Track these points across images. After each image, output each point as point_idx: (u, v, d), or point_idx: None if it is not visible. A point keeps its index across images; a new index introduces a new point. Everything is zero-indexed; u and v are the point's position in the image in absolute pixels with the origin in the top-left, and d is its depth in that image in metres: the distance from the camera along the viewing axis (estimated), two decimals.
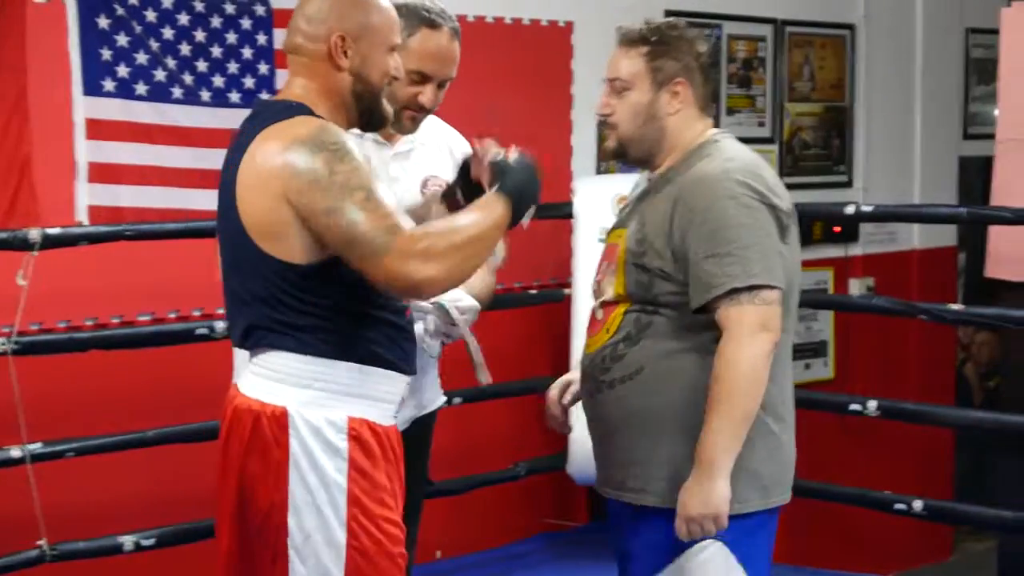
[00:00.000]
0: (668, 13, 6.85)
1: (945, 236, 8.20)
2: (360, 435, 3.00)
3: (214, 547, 3.17)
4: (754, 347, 3.26)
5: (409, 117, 3.77)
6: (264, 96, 5.50)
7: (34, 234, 4.61)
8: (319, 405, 2.99)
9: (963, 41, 8.31)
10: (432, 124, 3.95)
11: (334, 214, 2.89)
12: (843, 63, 7.76)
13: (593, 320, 3.57)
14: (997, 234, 5.88)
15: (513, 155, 3.16)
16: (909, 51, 8.03)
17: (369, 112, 3.20)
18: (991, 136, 6.11)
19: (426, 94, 3.71)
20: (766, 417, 3.40)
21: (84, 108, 5.12)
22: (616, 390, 3.46)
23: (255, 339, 3.04)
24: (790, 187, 7.39)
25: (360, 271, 2.91)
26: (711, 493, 3.26)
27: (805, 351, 7.62)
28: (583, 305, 5.61)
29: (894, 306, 5.94)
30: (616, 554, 3.64)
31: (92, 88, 5.14)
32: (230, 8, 5.47)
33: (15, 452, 4.63)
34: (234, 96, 5.48)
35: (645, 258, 3.39)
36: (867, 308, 6.63)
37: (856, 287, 7.73)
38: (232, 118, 5.36)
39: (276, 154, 2.95)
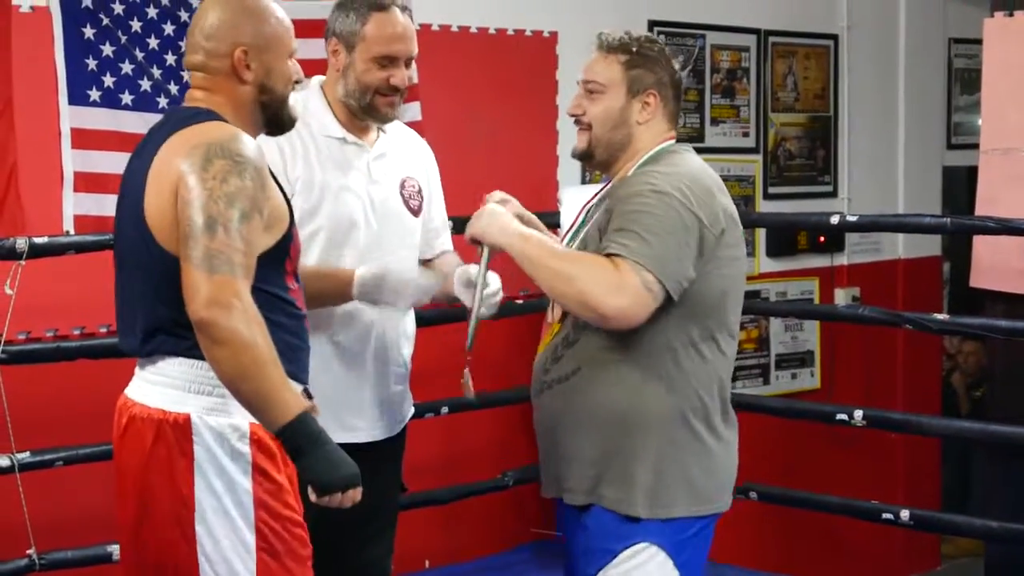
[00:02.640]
0: (652, 23, 6.89)
1: (930, 246, 8.22)
2: (262, 440, 3.02)
3: None
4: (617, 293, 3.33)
5: (387, 103, 3.88)
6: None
7: (21, 243, 4.61)
8: (221, 411, 3.00)
9: (946, 51, 8.34)
10: (399, 128, 4.07)
11: (199, 211, 2.90)
12: (827, 73, 7.78)
13: (544, 323, 3.71)
14: (982, 244, 5.90)
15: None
16: (892, 61, 8.05)
17: (276, 119, 3.27)
18: (975, 146, 6.13)
19: (397, 75, 3.84)
20: (699, 427, 3.52)
21: (70, 117, 5.11)
22: (554, 390, 3.58)
23: (154, 344, 3.05)
24: (775, 197, 7.55)
25: (181, 265, 2.91)
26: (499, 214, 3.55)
27: (791, 361, 7.66)
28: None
29: (880, 316, 5.97)
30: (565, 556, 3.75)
31: (78, 98, 5.13)
32: None
33: (3, 461, 4.63)
34: None
35: None
36: (853, 318, 6.66)
37: (842, 297, 7.74)
38: None
39: (182, 152, 2.98)
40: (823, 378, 7.74)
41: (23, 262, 4.61)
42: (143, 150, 3.14)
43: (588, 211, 3.75)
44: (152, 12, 5.29)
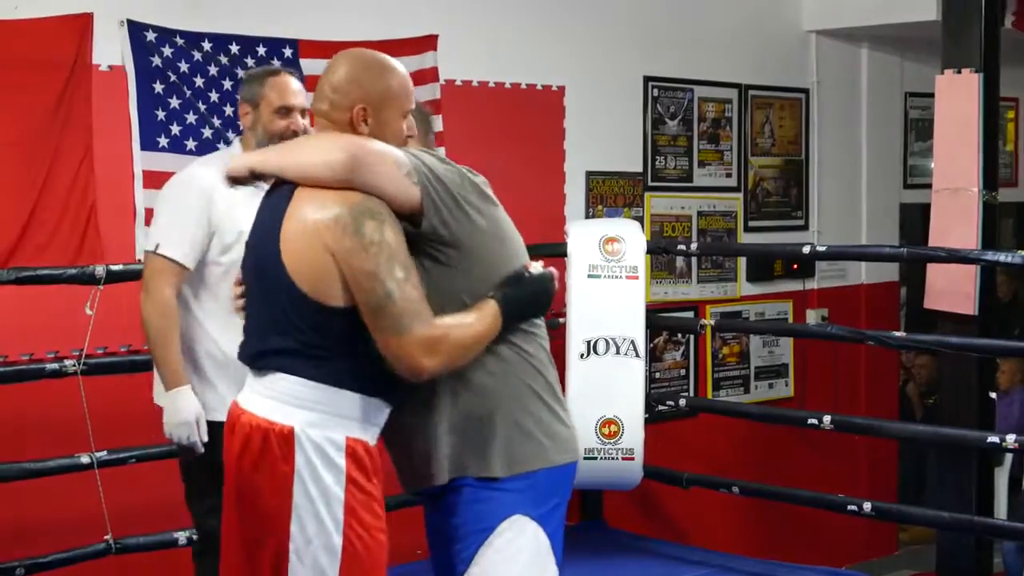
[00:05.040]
0: (647, 78, 6.92)
1: (889, 272, 8.21)
2: (356, 453, 2.99)
3: None
4: None
5: None
6: None
7: (99, 270, 4.65)
8: (321, 426, 2.97)
9: (903, 103, 8.33)
10: None
11: (373, 280, 2.88)
12: (799, 122, 7.77)
13: None
14: (934, 271, 5.89)
15: (534, 268, 3.16)
16: (856, 112, 8.06)
17: None
18: (928, 186, 6.10)
19: (296, 122, 4.06)
20: (544, 396, 3.18)
21: (142, 161, 5.16)
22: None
23: (267, 362, 3.02)
24: (754, 229, 7.56)
25: (373, 336, 2.92)
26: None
27: (768, 373, 7.65)
28: (576, 331, 5.65)
29: (845, 333, 5.97)
30: (433, 558, 3.31)
31: (148, 144, 5.18)
32: None
33: (84, 459, 4.67)
34: None
35: None
36: (822, 335, 6.69)
37: (812, 317, 7.72)
38: None
39: (326, 209, 2.92)
40: (796, 388, 7.72)
41: (101, 287, 4.63)
42: (281, 190, 3.08)
43: None
44: (213, 70, 5.33)
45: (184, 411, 3.96)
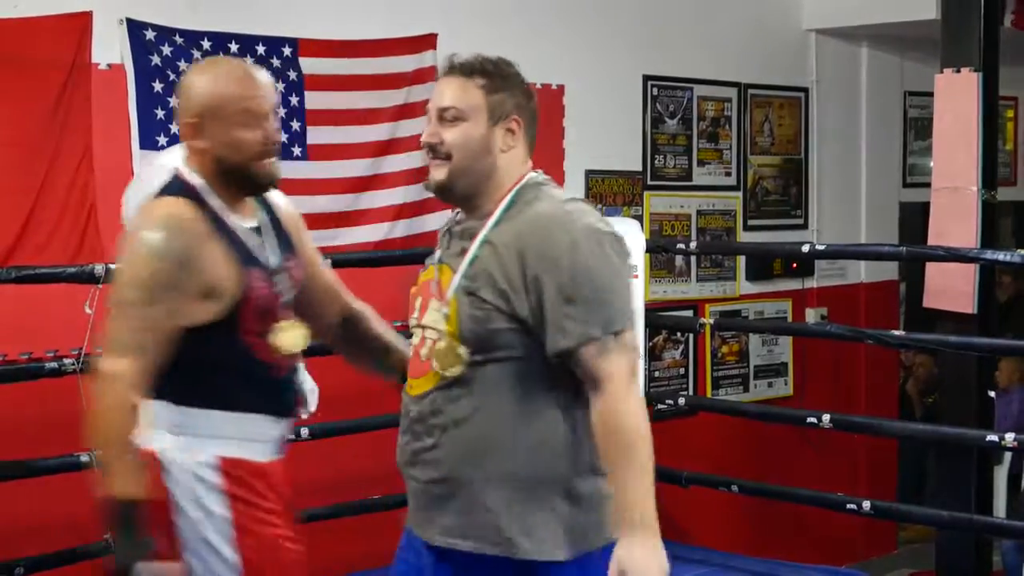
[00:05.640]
0: (647, 77, 6.91)
1: (888, 271, 8.20)
2: (232, 472, 2.94)
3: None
4: (636, 395, 2.81)
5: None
6: (295, 150, 5.54)
7: (99, 269, 4.60)
8: (189, 449, 2.93)
9: (902, 102, 8.32)
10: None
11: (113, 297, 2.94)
12: (798, 121, 7.76)
13: (417, 359, 2.96)
14: (933, 269, 5.89)
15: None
16: (855, 111, 8.05)
17: (244, 183, 3.05)
18: (927, 184, 6.11)
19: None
20: (598, 480, 2.89)
21: (141, 160, 5.12)
22: (450, 434, 2.86)
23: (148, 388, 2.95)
24: (754, 228, 7.56)
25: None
26: (659, 551, 2.74)
27: (768, 371, 7.63)
28: None
29: (844, 332, 5.96)
30: None
31: (148, 143, 5.15)
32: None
33: (84, 457, 4.65)
34: None
35: (482, 297, 2.82)
36: (821, 334, 6.68)
37: (811, 316, 7.71)
38: None
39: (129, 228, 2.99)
40: (795, 386, 7.71)
41: (101, 285, 4.60)
42: None
43: (449, 244, 3.00)
44: None
45: None
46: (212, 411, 2.95)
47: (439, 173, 2.92)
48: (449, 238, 2.99)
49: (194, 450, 2.94)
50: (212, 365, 2.95)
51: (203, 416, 2.95)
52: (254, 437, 2.99)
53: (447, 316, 2.84)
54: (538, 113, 3.03)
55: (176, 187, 3.01)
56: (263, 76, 3.08)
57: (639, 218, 6.83)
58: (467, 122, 2.89)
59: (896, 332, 6.23)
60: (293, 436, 3.60)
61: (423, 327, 2.92)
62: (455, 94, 2.90)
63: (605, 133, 6.78)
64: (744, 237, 7.44)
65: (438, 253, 3.00)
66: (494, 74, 2.93)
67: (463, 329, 2.82)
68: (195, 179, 3.02)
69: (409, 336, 3.03)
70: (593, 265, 2.77)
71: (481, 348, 2.81)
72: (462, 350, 2.82)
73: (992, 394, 6.04)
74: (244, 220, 3.06)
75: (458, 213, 3.01)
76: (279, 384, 3.06)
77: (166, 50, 5.20)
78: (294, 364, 3.12)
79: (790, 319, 7.68)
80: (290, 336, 3.05)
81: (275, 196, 3.23)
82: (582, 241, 2.78)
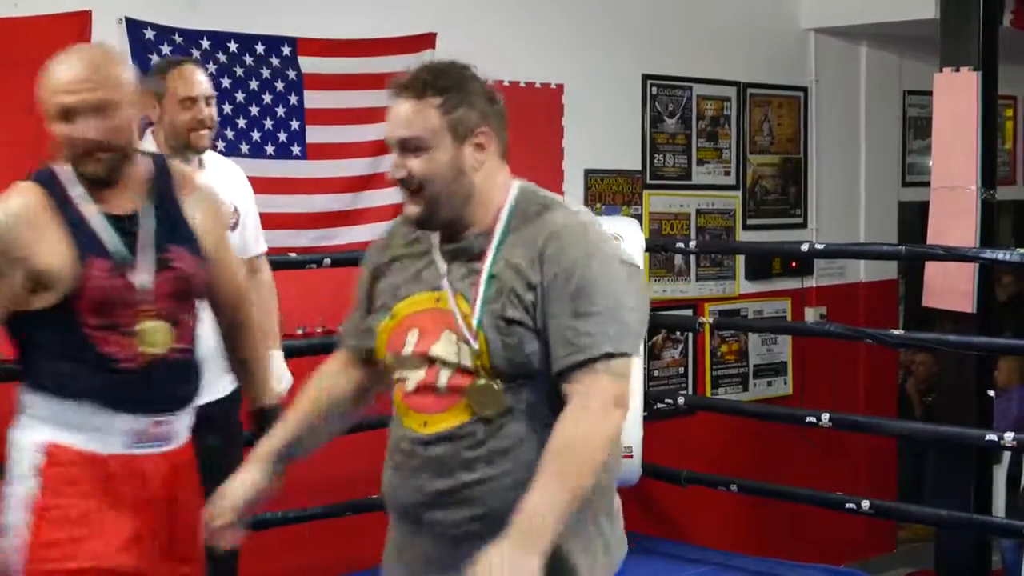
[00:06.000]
0: (646, 77, 6.91)
1: (887, 270, 8.20)
2: (54, 457, 2.95)
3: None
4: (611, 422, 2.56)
5: (198, 136, 4.13)
6: (295, 149, 5.54)
7: None
8: (28, 428, 2.97)
9: (901, 101, 8.32)
10: (216, 160, 4.32)
11: None
12: (797, 120, 7.75)
13: (428, 394, 2.66)
14: (932, 269, 5.89)
15: None
16: (854, 110, 8.04)
17: (84, 175, 3.01)
18: (926, 184, 6.11)
19: (200, 111, 4.11)
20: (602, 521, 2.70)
21: None
22: (497, 465, 2.60)
23: None
24: (753, 227, 7.56)
25: None
26: (526, 566, 2.39)
27: (767, 370, 7.63)
28: None
29: (844, 331, 5.96)
30: None
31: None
32: (266, 73, 5.50)
33: None
34: (269, 149, 5.50)
35: (510, 318, 2.58)
36: (821, 333, 6.68)
37: (811, 315, 7.70)
38: (268, 168, 5.41)
39: None
40: (795, 385, 7.71)
41: None
42: None
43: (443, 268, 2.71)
44: (212, 68, 5.30)
45: None
46: (51, 396, 2.96)
47: (414, 208, 2.66)
48: (440, 262, 2.70)
49: (33, 430, 2.98)
50: (49, 352, 2.96)
51: (43, 400, 2.97)
52: (94, 427, 2.96)
53: (477, 351, 2.58)
54: (506, 109, 2.76)
55: (38, 174, 3.03)
56: (76, 67, 3.00)
57: (638, 217, 6.83)
58: (431, 150, 2.62)
59: (895, 331, 6.22)
60: None
61: (433, 359, 2.63)
62: (412, 121, 2.62)
63: (604, 132, 6.78)
64: (743, 236, 7.44)
65: (436, 280, 2.68)
66: (449, 88, 2.63)
67: (496, 360, 2.58)
68: (62, 167, 3.01)
69: (393, 368, 2.73)
70: (604, 281, 2.57)
71: (517, 374, 2.59)
72: (498, 385, 2.59)
73: (991, 393, 6.03)
74: (112, 209, 3.00)
75: (429, 233, 2.74)
76: (130, 377, 2.97)
77: (165, 49, 5.18)
78: (168, 358, 3.03)
79: (789, 318, 7.67)
80: (149, 334, 2.98)
81: (201, 189, 3.24)
82: (600, 256, 2.59)
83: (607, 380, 2.52)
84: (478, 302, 2.61)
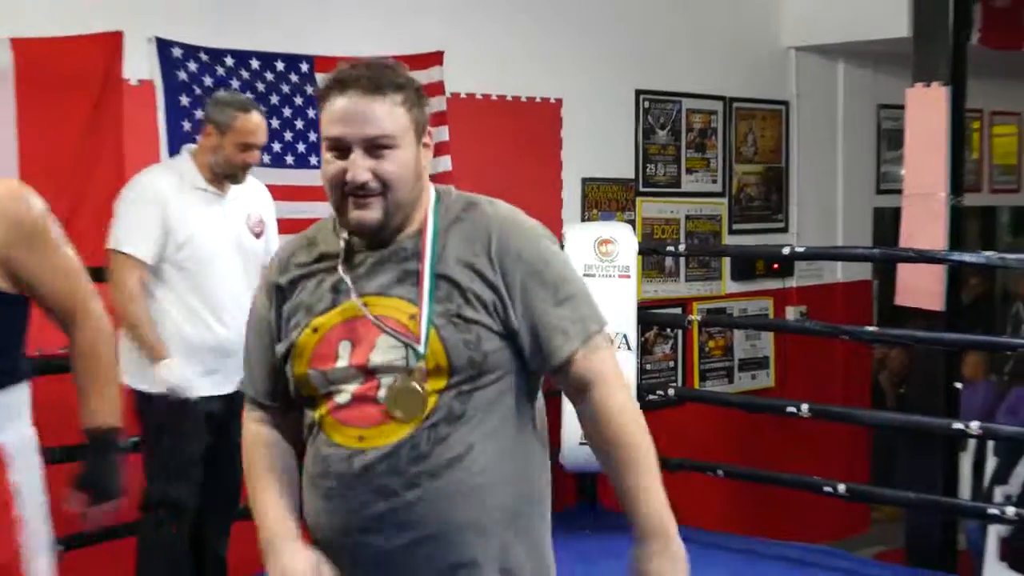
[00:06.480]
0: (638, 91, 6.91)
1: (862, 272, 8.20)
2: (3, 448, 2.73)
3: None
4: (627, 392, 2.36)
5: (244, 174, 4.31)
6: (312, 160, 5.54)
7: None
8: None
9: (876, 114, 8.32)
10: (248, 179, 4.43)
11: None
12: (779, 132, 7.76)
13: (365, 405, 2.25)
14: (904, 270, 5.89)
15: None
16: (832, 122, 8.05)
17: None
18: (899, 191, 6.11)
19: (254, 156, 4.28)
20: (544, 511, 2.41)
21: None
22: (442, 479, 2.22)
23: None
24: (738, 232, 7.55)
25: None
26: (680, 560, 2.28)
27: (751, 364, 7.63)
28: None
29: (822, 328, 5.97)
30: None
31: (175, 152, 5.11)
32: (285, 88, 5.50)
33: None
34: (289, 159, 5.50)
35: (466, 317, 2.24)
36: (801, 330, 6.69)
37: (792, 313, 7.71)
38: (288, 177, 5.41)
39: None
40: (776, 378, 7.71)
41: None
42: None
43: (369, 273, 2.31)
44: (235, 84, 5.31)
45: (175, 369, 4.10)
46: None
47: (373, 212, 2.24)
48: (361, 267, 2.30)
49: None
50: None
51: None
52: None
53: (422, 354, 2.21)
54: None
55: None
56: None
57: (632, 222, 6.82)
58: (399, 148, 2.24)
59: (870, 328, 6.20)
60: None
61: (372, 370, 2.24)
62: (381, 119, 2.22)
63: (600, 143, 6.78)
64: (729, 240, 7.43)
65: (357, 285, 2.29)
66: (406, 86, 2.26)
67: (455, 358, 2.21)
68: None
69: (318, 385, 2.30)
70: (565, 264, 2.36)
71: (473, 373, 2.23)
72: (423, 388, 2.22)
73: (959, 385, 6.02)
74: None
75: (344, 239, 2.33)
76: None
77: (192, 66, 5.19)
78: None
79: (772, 316, 7.68)
80: None
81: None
82: (547, 241, 2.35)
83: (606, 353, 2.32)
84: (425, 302, 2.24)
